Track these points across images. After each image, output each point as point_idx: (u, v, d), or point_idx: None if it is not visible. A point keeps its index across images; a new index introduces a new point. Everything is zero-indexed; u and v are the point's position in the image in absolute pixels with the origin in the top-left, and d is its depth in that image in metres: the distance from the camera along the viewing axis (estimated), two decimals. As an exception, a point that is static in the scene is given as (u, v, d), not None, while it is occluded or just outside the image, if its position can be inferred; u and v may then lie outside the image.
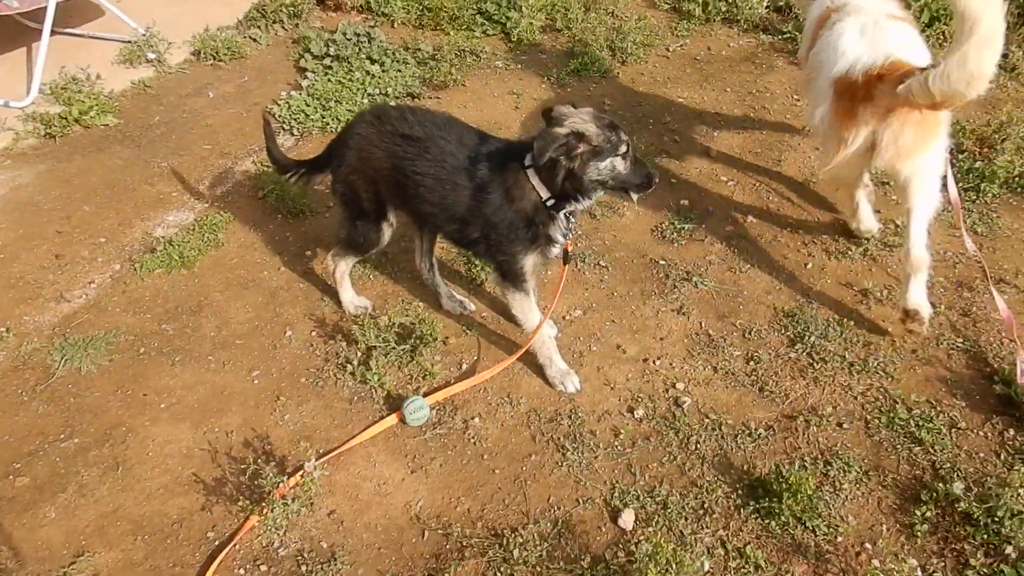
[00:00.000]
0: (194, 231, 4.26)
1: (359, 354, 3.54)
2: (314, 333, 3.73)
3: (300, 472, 2.97)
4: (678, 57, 5.97)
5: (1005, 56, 5.73)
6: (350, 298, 3.80)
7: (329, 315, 3.82)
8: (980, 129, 4.88)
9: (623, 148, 3.09)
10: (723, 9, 6.42)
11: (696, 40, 6.20)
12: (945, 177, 3.67)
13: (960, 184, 4.55)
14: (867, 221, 4.16)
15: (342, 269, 3.73)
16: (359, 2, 6.25)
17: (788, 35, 6.15)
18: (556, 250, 3.31)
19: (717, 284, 3.97)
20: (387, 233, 3.57)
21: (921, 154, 3.46)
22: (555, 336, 3.59)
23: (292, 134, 5.01)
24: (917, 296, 3.55)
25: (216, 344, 3.68)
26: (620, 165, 3.12)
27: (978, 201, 4.48)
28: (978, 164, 4.65)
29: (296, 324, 3.77)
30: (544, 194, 3.15)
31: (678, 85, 5.62)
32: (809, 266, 4.07)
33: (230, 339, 3.70)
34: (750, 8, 6.39)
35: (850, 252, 4.14)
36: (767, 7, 6.49)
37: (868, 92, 3.39)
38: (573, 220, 3.30)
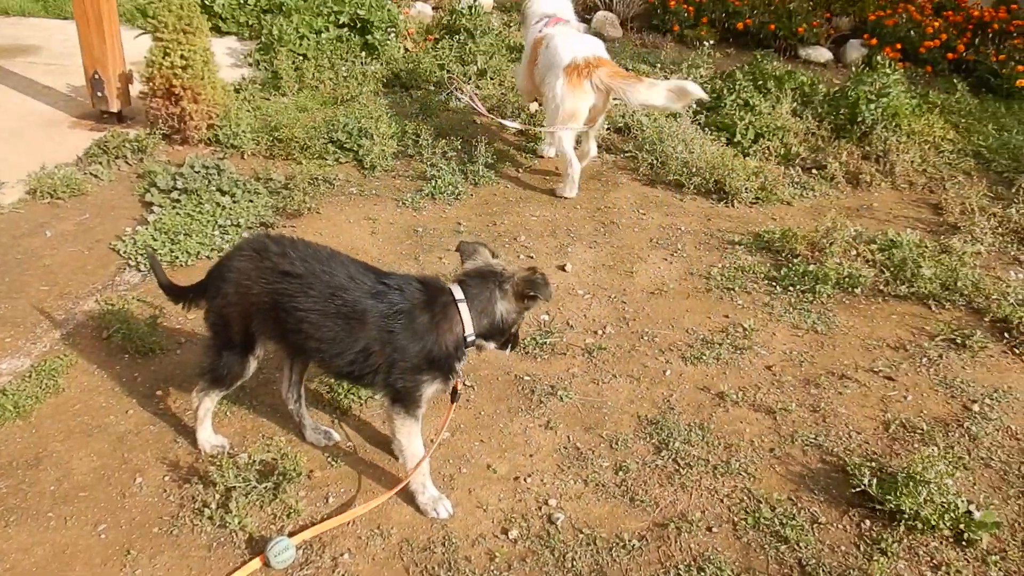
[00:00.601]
0: (30, 378, 3.96)
1: (217, 497, 3.33)
2: (167, 478, 3.49)
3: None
4: (529, 178, 6.21)
5: (824, 167, 6.31)
6: (207, 437, 3.60)
7: (183, 457, 3.59)
8: (810, 235, 5.28)
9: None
10: (567, 132, 6.78)
11: (545, 161, 6.48)
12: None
13: (797, 287, 4.88)
14: (575, 173, 5.87)
15: (206, 406, 3.55)
16: (207, 135, 6.19)
17: (630, 154, 6.54)
18: (452, 381, 3.31)
19: (582, 396, 4.02)
20: (252, 366, 3.46)
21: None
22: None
23: (139, 270, 4.81)
24: (570, 192, 5.81)
25: (57, 499, 3.37)
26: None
27: (815, 302, 4.79)
28: (811, 267, 5.00)
29: (147, 470, 3.52)
30: (469, 329, 3.16)
31: (530, 204, 5.82)
32: (668, 373, 4.20)
33: (72, 492, 3.41)
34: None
35: (704, 357, 4.30)
36: (608, 128, 6.90)
37: (588, 72, 5.59)
38: (466, 357, 3.32)
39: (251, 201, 5.38)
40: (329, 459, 3.61)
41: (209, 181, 5.43)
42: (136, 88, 6.35)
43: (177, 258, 4.85)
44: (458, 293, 3.19)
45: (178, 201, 5.32)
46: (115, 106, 6.34)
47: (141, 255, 4.86)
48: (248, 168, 5.96)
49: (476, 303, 3.19)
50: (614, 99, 5.88)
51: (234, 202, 5.33)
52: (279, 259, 3.25)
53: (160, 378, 4.04)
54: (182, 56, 5.80)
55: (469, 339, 3.19)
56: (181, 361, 4.15)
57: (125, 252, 4.92)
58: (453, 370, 3.25)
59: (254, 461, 3.44)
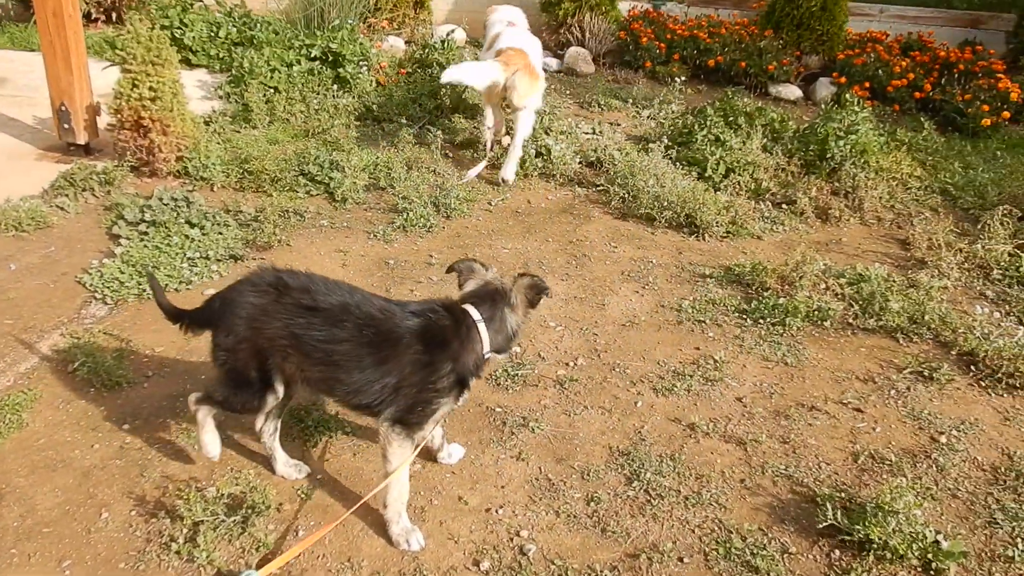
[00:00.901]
0: (-8, 413, 3.87)
1: (185, 531, 3.26)
2: (134, 512, 3.41)
3: None
4: (500, 211, 6.23)
5: (794, 202, 6.39)
6: (211, 439, 3.52)
7: (150, 491, 3.51)
8: (780, 268, 5.32)
9: None
10: (540, 165, 6.82)
11: (516, 194, 6.51)
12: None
13: (767, 319, 4.91)
14: (489, 138, 6.95)
15: (204, 412, 3.47)
16: (176, 167, 6.15)
17: (602, 187, 6.58)
18: (465, 396, 3.35)
19: (553, 428, 3.99)
20: (270, 401, 3.38)
21: (529, 95, 6.43)
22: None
23: (105, 303, 4.75)
24: (509, 171, 6.55)
25: (20, 535, 3.28)
26: None
27: (785, 334, 4.82)
28: (782, 300, 5.04)
29: (113, 504, 3.44)
30: (487, 348, 3.26)
31: (502, 236, 5.83)
32: (639, 404, 4.19)
33: (36, 528, 3.31)
34: (564, 164, 6.83)
35: (675, 388, 4.30)
36: (579, 163, 6.96)
37: (510, 59, 6.35)
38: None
39: (220, 233, 5.34)
40: (299, 492, 3.55)
41: (178, 213, 5.39)
42: (104, 120, 6.32)
43: (144, 291, 4.79)
44: (475, 314, 3.27)
45: (146, 234, 5.27)
46: (82, 138, 6.30)
47: (108, 288, 4.80)
48: (218, 200, 5.92)
49: (492, 322, 3.29)
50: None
51: (203, 234, 5.28)
52: (301, 294, 3.23)
53: (127, 412, 3.97)
54: (151, 88, 5.78)
55: (486, 356, 3.29)
56: (148, 394, 4.08)
57: (91, 285, 4.85)
58: (468, 388, 3.32)
59: (222, 494, 3.38)
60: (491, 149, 7.01)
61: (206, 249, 5.16)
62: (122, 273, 4.88)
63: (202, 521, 3.25)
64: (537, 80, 6.55)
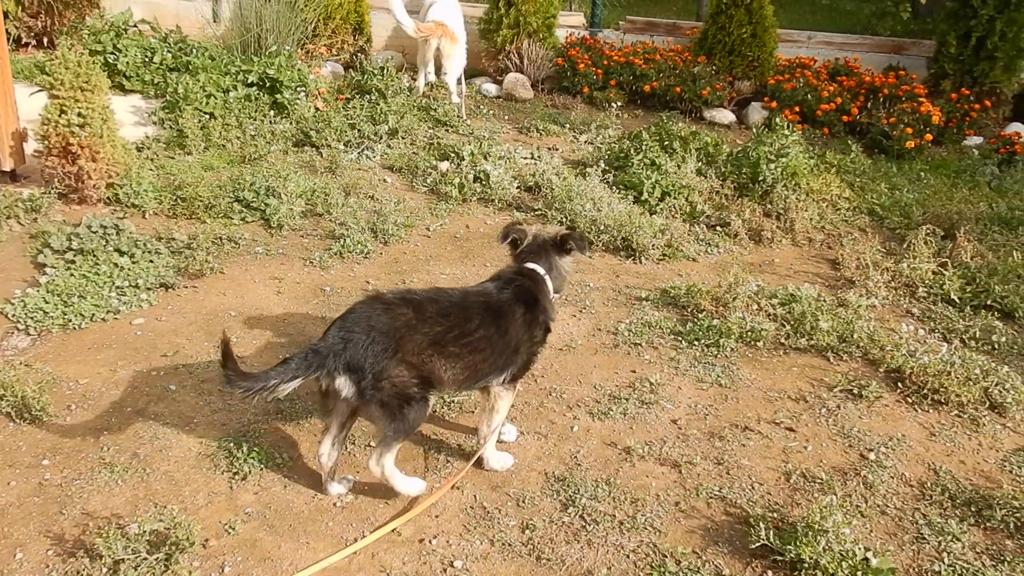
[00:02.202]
0: (-99, 452, 3.71)
1: (104, 570, 3.15)
2: (51, 552, 3.29)
3: None
4: (439, 236, 6.22)
5: (728, 224, 6.51)
6: (408, 483, 3.61)
7: (69, 529, 3.39)
8: (714, 290, 5.40)
9: None
10: (478, 190, 6.84)
11: (455, 219, 6.51)
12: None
13: (702, 341, 4.97)
14: (421, 84, 9.17)
15: (390, 462, 3.52)
16: (106, 194, 6.00)
17: (539, 212, 6.62)
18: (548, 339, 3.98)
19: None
20: (431, 404, 3.62)
21: (452, 49, 8.84)
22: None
23: (28, 334, 4.60)
24: (457, 99, 8.97)
25: (-76, 581, 3.14)
26: None
27: (719, 355, 4.88)
28: (716, 322, 5.11)
29: (29, 544, 3.31)
30: (552, 292, 3.94)
31: (440, 262, 5.81)
32: (575, 429, 4.20)
33: (-56, 572, 3.18)
34: (503, 189, 6.85)
35: (611, 412, 4.32)
36: (518, 188, 6.99)
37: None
38: None
39: (151, 261, 5.23)
40: (225, 527, 3.46)
41: (107, 241, 5.26)
42: (31, 146, 6.16)
43: (70, 321, 4.66)
44: (539, 269, 3.93)
45: (73, 262, 5.13)
46: (7, 165, 6.12)
47: (31, 318, 4.65)
48: (149, 228, 5.80)
49: (551, 271, 3.96)
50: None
51: (133, 262, 5.17)
52: (432, 305, 3.56)
53: (47, 446, 3.84)
54: (79, 114, 5.66)
55: (553, 299, 3.97)
56: (70, 427, 3.95)
57: (13, 315, 4.70)
58: (551, 331, 3.94)
59: (144, 531, 3.27)
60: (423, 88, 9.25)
61: (135, 277, 5.05)
62: (46, 303, 4.74)
63: (122, 560, 3.15)
64: (456, 42, 8.95)
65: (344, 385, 3.36)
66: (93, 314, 4.74)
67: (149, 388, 4.27)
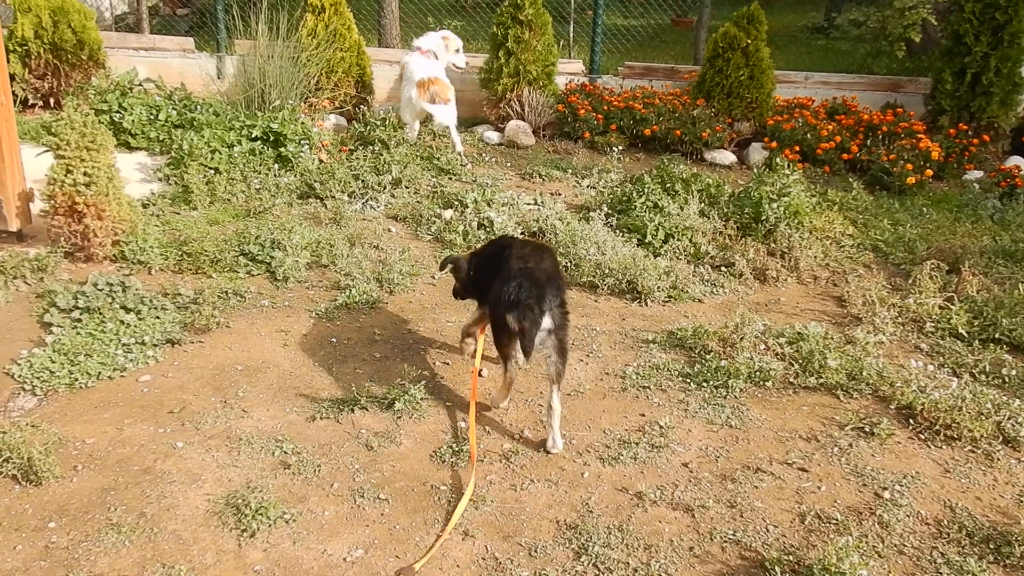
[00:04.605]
0: (-93, 516, 3.69)
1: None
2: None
3: None
4: (444, 284, 6.21)
5: (732, 264, 6.51)
6: None
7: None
8: (721, 331, 5.38)
9: None
10: (483, 237, 6.86)
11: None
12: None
13: (711, 382, 4.93)
14: (412, 134, 9.01)
15: None
16: (112, 252, 6.04)
17: (543, 257, 6.63)
18: None
19: (499, 504, 3.93)
20: None
21: (444, 108, 8.88)
22: None
23: (34, 394, 4.60)
24: (460, 147, 9.08)
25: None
26: None
27: (728, 397, 4.85)
28: (724, 363, 5.08)
29: (36, 610, 3.28)
30: None
31: (447, 310, 5.82)
32: (586, 475, 4.16)
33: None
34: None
35: (622, 457, 4.28)
36: (522, 233, 7.02)
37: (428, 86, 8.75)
38: None
39: (157, 317, 5.25)
40: (233, 586, 3.40)
41: (113, 299, 5.29)
42: (37, 206, 6.22)
43: (76, 380, 4.66)
44: None
45: (79, 320, 5.14)
46: (14, 225, 6.18)
47: (38, 378, 4.66)
48: (156, 284, 5.83)
49: None
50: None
51: (139, 319, 5.18)
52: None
53: (53, 508, 3.81)
54: (85, 173, 5.72)
55: None
56: (77, 489, 3.93)
57: (20, 376, 4.71)
58: None
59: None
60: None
61: (142, 334, 5.06)
62: (52, 363, 4.75)
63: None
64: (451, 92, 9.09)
65: None
66: (100, 372, 4.74)
67: (156, 446, 4.25)
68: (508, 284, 4.28)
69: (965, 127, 9.25)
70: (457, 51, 9.54)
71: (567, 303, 4.45)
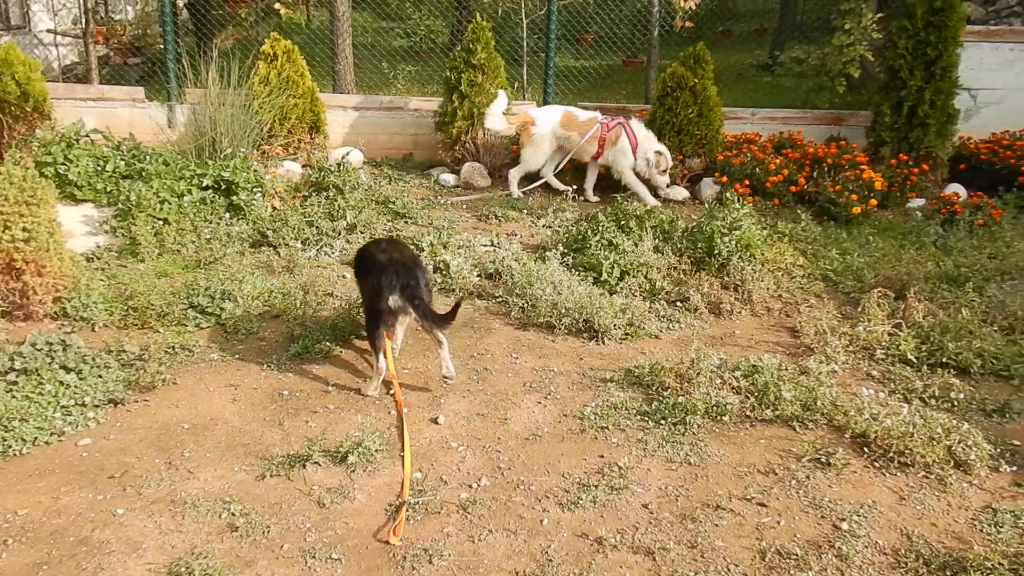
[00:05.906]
0: None
1: None
2: None
3: None
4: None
5: (687, 299, 6.52)
6: None
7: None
8: (677, 366, 5.36)
9: None
10: (439, 281, 6.83)
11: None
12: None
13: (668, 419, 4.90)
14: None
15: None
16: (53, 309, 5.87)
17: (500, 299, 6.60)
18: None
19: (457, 557, 3.83)
20: None
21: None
22: None
23: (-33, 464, 4.41)
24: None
25: None
26: None
27: (686, 433, 4.81)
28: (681, 399, 5.06)
29: None
30: None
31: (402, 356, 5.73)
32: (545, 522, 4.08)
33: None
34: (463, 278, 6.85)
35: (581, 501, 4.21)
36: (478, 275, 6.99)
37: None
38: None
39: (100, 376, 5.09)
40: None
41: (52, 358, 5.11)
42: (-26, 263, 6.04)
43: (10, 447, 4.46)
44: None
45: (15, 383, 4.94)
46: (-51, 285, 6.00)
47: (-26, 444, 4.46)
48: (99, 341, 5.67)
49: None
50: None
51: (80, 379, 5.02)
52: None
53: None
54: (24, 228, 5.58)
55: None
56: (6, 566, 3.71)
57: (-50, 447, 4.52)
58: None
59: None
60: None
61: (82, 395, 4.89)
62: (-16, 430, 4.56)
63: None
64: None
65: None
66: (36, 438, 4.54)
67: (94, 514, 4.07)
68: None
69: (905, 157, 9.46)
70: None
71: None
